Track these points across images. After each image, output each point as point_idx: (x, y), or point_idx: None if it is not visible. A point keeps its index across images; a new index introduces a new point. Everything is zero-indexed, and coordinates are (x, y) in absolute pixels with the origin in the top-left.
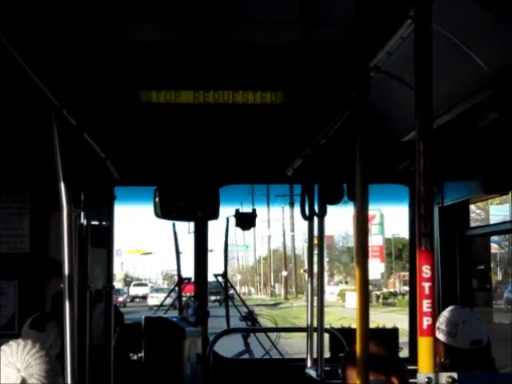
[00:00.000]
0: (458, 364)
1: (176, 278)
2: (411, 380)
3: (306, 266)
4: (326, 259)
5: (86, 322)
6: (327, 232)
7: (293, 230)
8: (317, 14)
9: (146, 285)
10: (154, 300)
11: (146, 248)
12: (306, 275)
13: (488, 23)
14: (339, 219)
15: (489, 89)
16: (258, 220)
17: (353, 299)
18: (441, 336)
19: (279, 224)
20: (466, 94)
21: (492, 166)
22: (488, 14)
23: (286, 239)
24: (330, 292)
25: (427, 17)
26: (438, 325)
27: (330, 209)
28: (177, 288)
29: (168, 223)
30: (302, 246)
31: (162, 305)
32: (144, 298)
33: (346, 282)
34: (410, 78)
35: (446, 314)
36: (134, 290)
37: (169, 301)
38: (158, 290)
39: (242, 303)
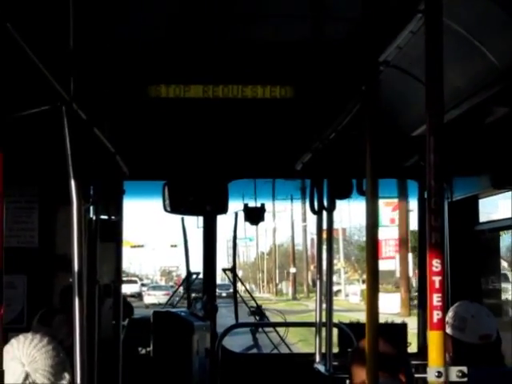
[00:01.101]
0: (467, 358)
1: (174, 274)
2: (420, 375)
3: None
4: (341, 255)
5: (94, 317)
6: (340, 224)
7: (304, 221)
8: (326, 8)
9: (135, 282)
10: (152, 298)
11: (136, 240)
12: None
13: (499, 17)
14: (353, 209)
15: (499, 83)
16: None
17: (392, 302)
18: (450, 330)
19: (286, 215)
20: (476, 88)
21: (501, 160)
22: (499, 8)
23: (295, 231)
24: (353, 292)
25: (438, 11)
26: (447, 319)
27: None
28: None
29: (159, 213)
30: (312, 240)
31: (170, 303)
32: (133, 296)
33: (364, 282)
34: (419, 73)
35: (455, 308)
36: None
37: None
38: (155, 288)
39: (251, 298)
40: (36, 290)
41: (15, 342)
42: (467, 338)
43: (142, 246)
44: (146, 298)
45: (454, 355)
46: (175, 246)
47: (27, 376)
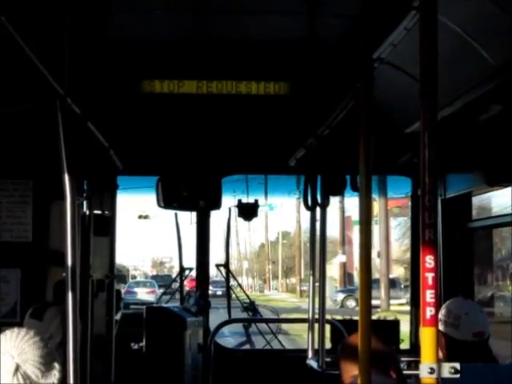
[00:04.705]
0: (460, 355)
1: (166, 265)
2: (413, 371)
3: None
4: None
5: (87, 312)
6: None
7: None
8: (320, 5)
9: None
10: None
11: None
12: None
13: (493, 15)
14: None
15: (493, 81)
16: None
17: None
18: (443, 328)
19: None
20: (470, 85)
21: (495, 158)
22: (493, 5)
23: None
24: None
25: (432, 8)
26: (440, 316)
27: None
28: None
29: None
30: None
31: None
32: None
33: None
34: (413, 69)
35: (448, 305)
36: None
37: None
38: (138, 284)
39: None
40: (29, 284)
41: (3, 337)
42: (461, 335)
43: None
44: (126, 296)
45: (446, 352)
46: (145, 216)
47: (18, 367)
